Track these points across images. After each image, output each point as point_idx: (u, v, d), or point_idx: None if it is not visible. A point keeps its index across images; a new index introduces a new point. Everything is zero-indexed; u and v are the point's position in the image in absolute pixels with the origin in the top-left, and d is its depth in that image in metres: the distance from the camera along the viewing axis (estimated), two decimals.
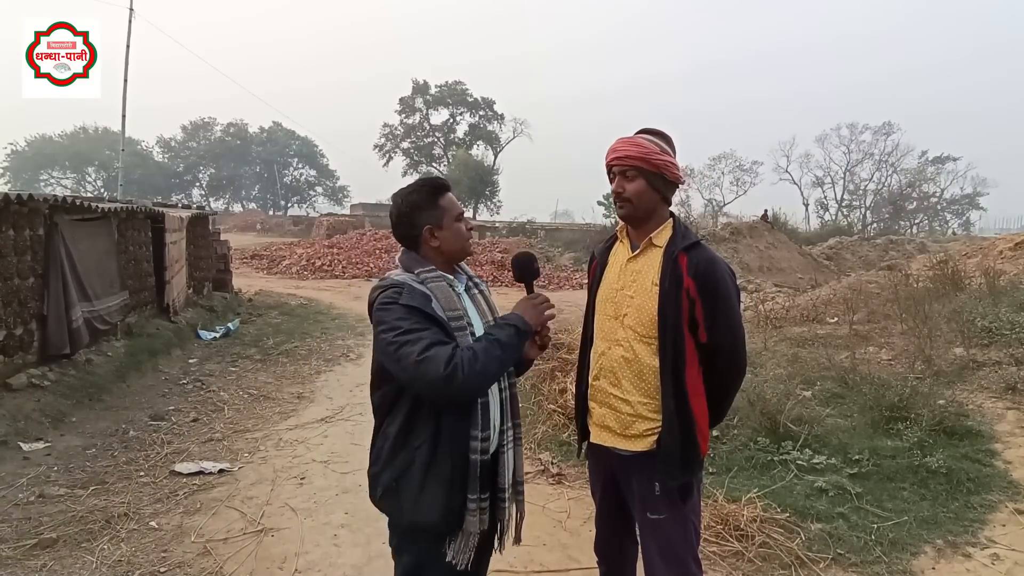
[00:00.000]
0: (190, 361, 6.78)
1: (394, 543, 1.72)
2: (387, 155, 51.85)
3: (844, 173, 45.56)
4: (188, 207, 10.90)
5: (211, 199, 54.51)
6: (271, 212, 56.23)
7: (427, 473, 1.57)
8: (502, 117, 51.55)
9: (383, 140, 51.78)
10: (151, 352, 6.51)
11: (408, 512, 1.59)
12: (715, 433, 3.85)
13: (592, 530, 3.26)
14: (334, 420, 5.00)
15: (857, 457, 3.63)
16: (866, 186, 45.25)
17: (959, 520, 3.10)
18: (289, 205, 60.77)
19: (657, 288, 1.81)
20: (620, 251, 1.98)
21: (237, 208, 57.05)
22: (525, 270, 1.83)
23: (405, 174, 51.52)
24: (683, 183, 1.86)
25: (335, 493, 3.64)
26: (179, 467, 3.88)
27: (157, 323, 7.47)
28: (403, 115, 51.63)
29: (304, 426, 4.82)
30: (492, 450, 1.67)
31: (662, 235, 1.87)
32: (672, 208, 1.98)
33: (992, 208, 43.72)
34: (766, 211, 22.86)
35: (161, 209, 8.09)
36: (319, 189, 63.33)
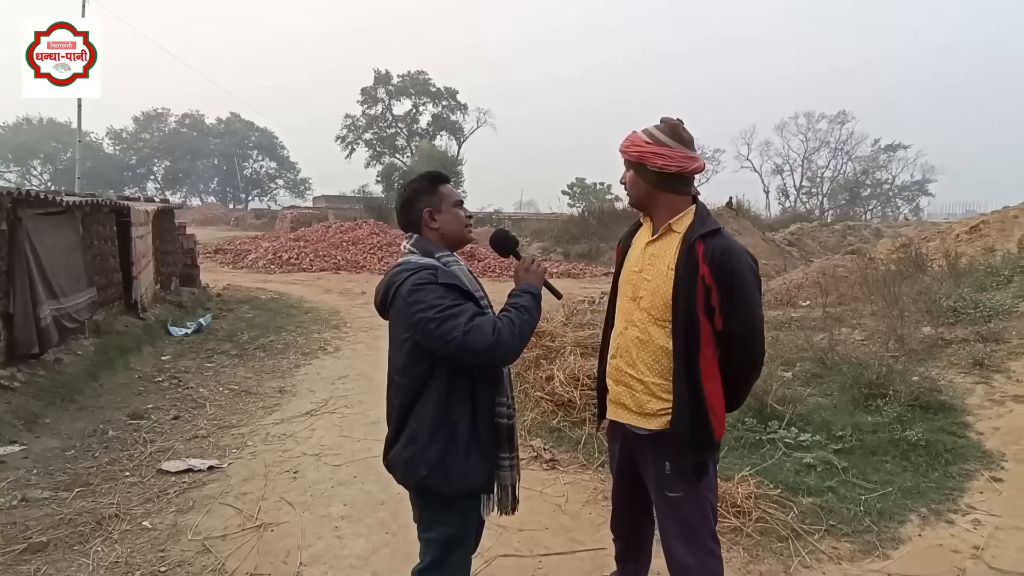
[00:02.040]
0: (163, 358, 6.58)
1: (426, 520, 1.79)
2: (349, 146, 50.85)
3: (802, 161, 46.93)
4: (151, 200, 10.52)
5: (167, 192, 52.58)
6: (231, 205, 54.69)
7: (469, 443, 1.70)
8: (465, 107, 51.17)
9: (345, 131, 50.72)
10: (122, 350, 6.29)
11: (458, 482, 1.70)
12: None
13: (592, 513, 3.36)
14: (320, 413, 4.94)
15: (840, 433, 3.77)
16: (823, 173, 46.74)
17: (940, 489, 3.26)
18: (250, 198, 59.21)
19: (673, 273, 1.85)
20: (643, 235, 2.03)
21: (195, 202, 55.18)
22: (506, 244, 1.99)
23: (368, 165, 50.75)
24: (675, 170, 1.86)
25: (331, 485, 3.61)
26: (166, 465, 3.77)
27: (126, 320, 7.22)
28: (365, 106, 50.70)
29: (290, 420, 4.75)
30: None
31: (682, 221, 1.90)
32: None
33: (939, 194, 45.71)
34: (731, 198, 23.36)
35: (126, 202, 7.79)
36: (280, 181, 61.83)
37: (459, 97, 51.07)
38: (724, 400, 1.94)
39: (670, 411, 1.90)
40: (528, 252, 19.39)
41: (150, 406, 4.96)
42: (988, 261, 6.53)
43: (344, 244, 18.67)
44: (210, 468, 3.78)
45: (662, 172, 1.87)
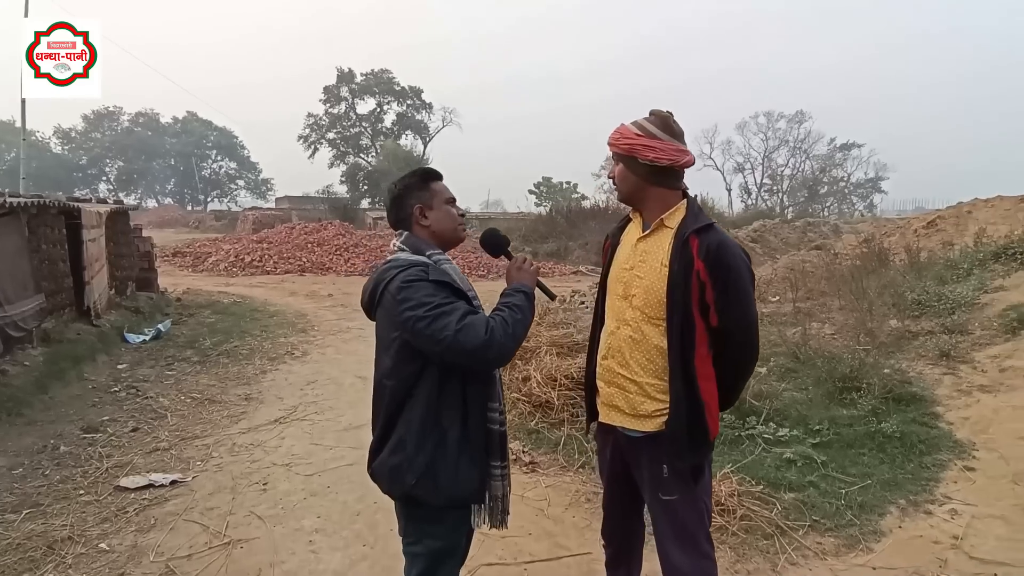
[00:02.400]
0: (119, 367, 6.26)
1: (412, 532, 1.69)
2: (312, 146, 49.89)
3: (763, 159, 48.08)
4: (104, 201, 10.06)
5: (121, 194, 50.61)
6: (190, 207, 53.09)
7: (460, 450, 1.62)
8: (430, 106, 50.80)
9: (308, 131, 49.76)
10: (74, 359, 5.96)
11: (447, 489, 1.61)
12: None
13: (575, 516, 3.29)
14: (289, 420, 4.75)
15: (817, 427, 3.80)
16: (783, 171, 47.98)
17: (916, 480, 3.31)
18: (209, 199, 57.56)
19: (666, 269, 1.79)
20: (632, 231, 1.96)
21: (151, 203, 53.30)
22: (497, 243, 1.92)
23: (332, 165, 49.94)
24: (666, 164, 1.80)
25: (303, 497, 3.45)
26: (124, 482, 3.56)
27: (78, 327, 6.84)
28: (328, 105, 49.82)
29: (257, 428, 4.55)
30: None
31: (674, 216, 1.84)
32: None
33: (891, 191, 47.52)
34: (695, 196, 23.66)
35: (77, 204, 7.40)
36: (241, 182, 60.33)
37: (424, 96, 50.64)
38: (718, 399, 1.90)
39: (665, 412, 1.84)
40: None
41: (106, 418, 4.69)
42: (947, 255, 6.73)
43: (309, 246, 18.26)
44: (173, 483, 3.58)
45: (653, 165, 1.81)
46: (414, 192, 1.75)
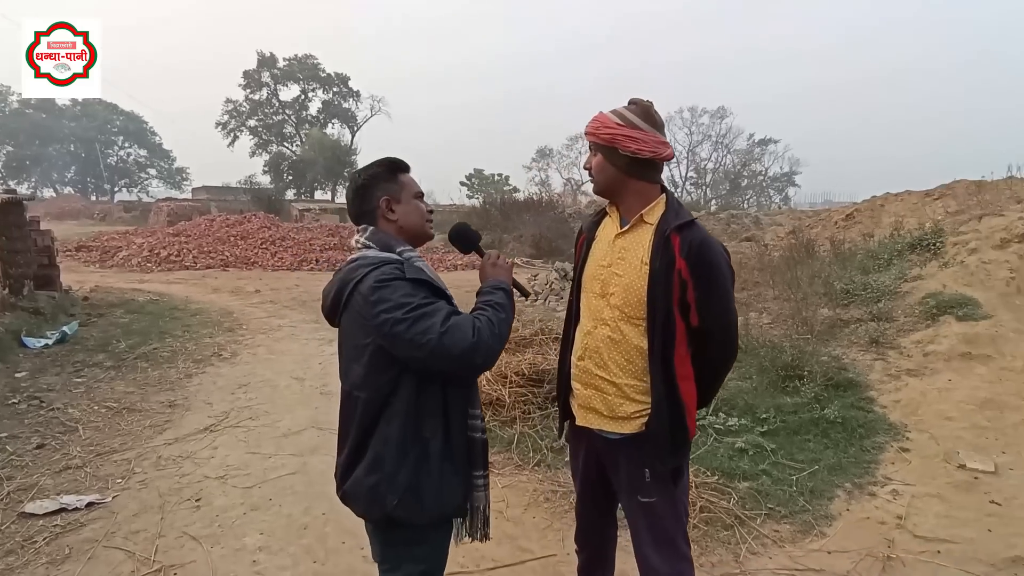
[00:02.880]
0: (18, 375, 5.62)
1: (392, 558, 1.54)
2: (232, 134, 47.36)
3: (688, 153, 49.90)
4: None
5: (12, 182, 46.05)
6: (94, 197, 49.15)
7: (443, 462, 1.51)
8: (358, 94, 49.36)
9: (227, 118, 47.16)
10: None
11: (431, 506, 1.49)
12: None
13: (535, 517, 3.20)
14: (221, 428, 4.41)
15: (764, 416, 3.90)
16: (706, 165, 50.05)
17: (859, 463, 3.45)
18: (116, 189, 53.51)
19: (647, 267, 1.72)
20: (608, 226, 1.86)
21: (49, 193, 48.89)
22: (468, 238, 1.80)
23: (254, 154, 47.70)
24: (648, 156, 1.73)
25: (242, 512, 3.19)
26: (30, 507, 3.16)
27: None
28: (249, 91, 47.37)
29: (186, 438, 4.19)
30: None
31: (654, 212, 1.76)
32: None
33: (804, 185, 50.71)
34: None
35: None
36: (152, 171, 56.41)
37: (351, 84, 49.10)
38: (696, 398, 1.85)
39: (644, 414, 1.78)
40: (429, 246, 18.98)
41: (4, 435, 4.17)
42: (867, 246, 7.13)
43: (232, 239, 17.25)
44: (89, 505, 3.21)
45: (635, 157, 1.72)
46: (380, 183, 1.60)
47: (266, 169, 45.17)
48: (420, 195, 1.67)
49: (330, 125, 49.30)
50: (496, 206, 25.91)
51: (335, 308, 1.51)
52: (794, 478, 3.27)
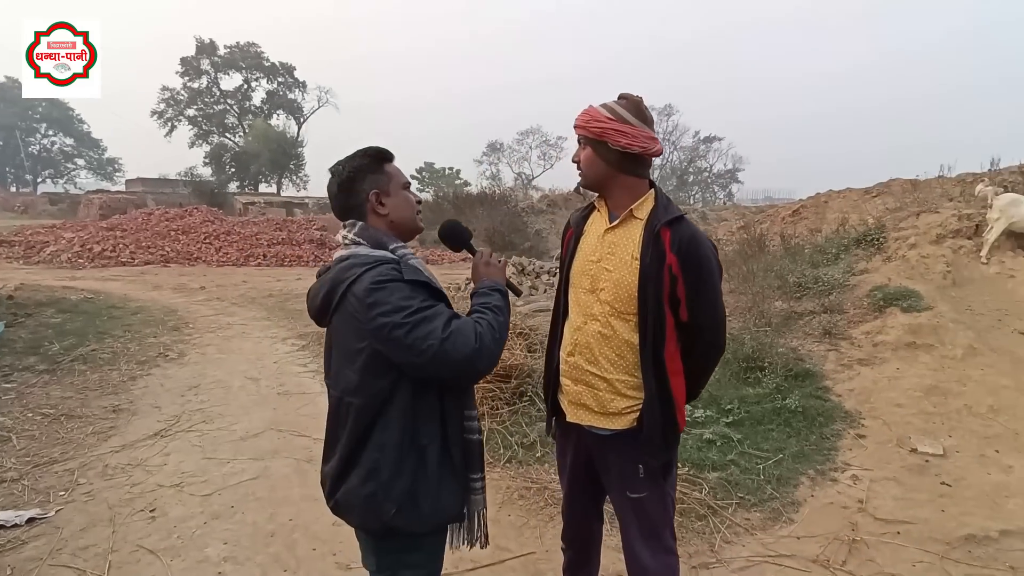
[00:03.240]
0: None
1: (387, 567, 1.47)
2: (169, 123, 45.15)
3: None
4: None
5: None
6: (14, 188, 45.96)
7: (440, 468, 1.45)
8: (304, 85, 47.97)
9: (163, 106, 44.91)
10: None
11: (430, 515, 1.44)
12: None
13: (511, 515, 3.17)
14: (172, 433, 4.17)
15: (729, 407, 3.99)
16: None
17: (820, 450, 3.57)
18: (40, 180, 50.18)
19: (637, 262, 1.71)
20: (597, 221, 1.85)
21: None
22: (460, 236, 1.74)
23: (193, 145, 45.72)
24: (638, 151, 1.72)
25: (203, 521, 3.02)
26: None
27: None
28: (187, 79, 45.23)
29: (134, 445, 3.95)
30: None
31: (643, 207, 1.76)
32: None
33: (746, 182, 52.62)
34: (578, 184, 24.52)
35: None
36: (80, 161, 53.22)
37: (297, 74, 47.62)
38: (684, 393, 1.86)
39: (635, 409, 1.77)
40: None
41: None
42: (815, 241, 7.42)
43: (172, 233, 16.47)
44: (30, 521, 2.97)
45: (625, 152, 1.71)
46: (367, 175, 1.51)
47: (207, 161, 43.34)
48: (407, 185, 1.59)
49: (275, 116, 47.78)
50: (449, 200, 25.69)
51: (324, 310, 1.43)
52: (761, 467, 3.36)
